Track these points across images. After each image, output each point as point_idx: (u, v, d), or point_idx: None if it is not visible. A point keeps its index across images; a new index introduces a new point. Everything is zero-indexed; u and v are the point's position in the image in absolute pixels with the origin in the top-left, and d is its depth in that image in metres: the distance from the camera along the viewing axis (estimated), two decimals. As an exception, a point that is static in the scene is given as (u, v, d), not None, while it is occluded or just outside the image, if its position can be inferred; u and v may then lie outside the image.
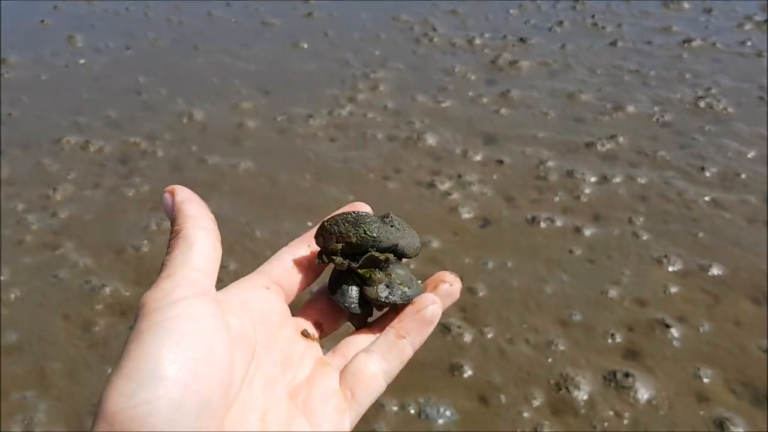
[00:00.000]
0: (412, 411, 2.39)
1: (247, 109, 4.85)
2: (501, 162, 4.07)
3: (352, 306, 0.65)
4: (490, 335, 2.74)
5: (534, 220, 3.49)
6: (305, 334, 0.65)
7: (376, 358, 0.62)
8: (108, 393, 0.46)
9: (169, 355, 0.48)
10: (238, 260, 3.21)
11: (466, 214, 3.58)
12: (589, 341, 2.71)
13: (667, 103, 4.69)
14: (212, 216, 0.61)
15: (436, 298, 0.65)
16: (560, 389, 2.48)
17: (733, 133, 4.28)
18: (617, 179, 3.81)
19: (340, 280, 0.66)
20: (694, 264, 3.12)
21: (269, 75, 5.40)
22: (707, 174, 3.85)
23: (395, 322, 0.65)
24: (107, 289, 3.07)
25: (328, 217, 0.66)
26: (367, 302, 0.66)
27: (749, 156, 4.01)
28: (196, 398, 0.47)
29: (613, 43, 5.73)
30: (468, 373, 2.57)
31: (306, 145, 4.38)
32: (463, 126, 4.55)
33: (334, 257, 0.65)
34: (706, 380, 2.51)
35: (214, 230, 0.60)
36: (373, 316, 0.69)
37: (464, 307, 2.89)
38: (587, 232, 3.37)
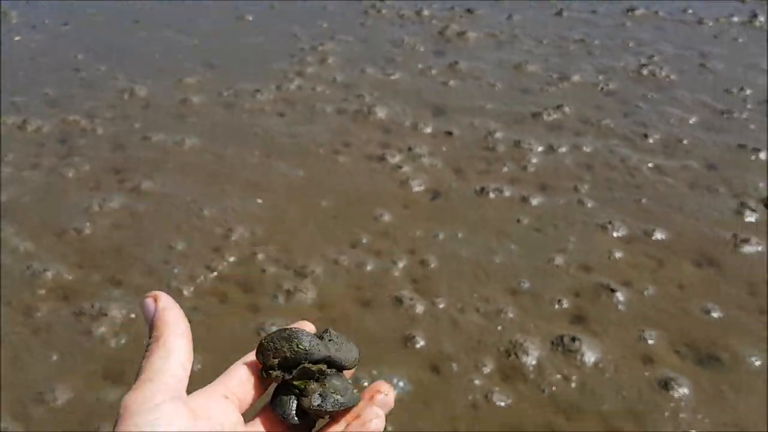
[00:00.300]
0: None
1: (191, 84, 4.72)
2: (450, 134, 4.08)
3: (290, 417, 0.70)
4: (441, 306, 2.77)
5: (483, 191, 3.52)
6: None
7: None
8: None
9: None
10: (185, 239, 3.15)
11: (416, 187, 3.58)
12: (537, 308, 2.76)
13: (612, 72, 4.76)
14: (187, 321, 0.68)
15: (380, 412, 0.70)
16: (510, 356, 2.53)
17: (675, 100, 4.38)
18: (563, 149, 3.87)
19: (280, 392, 0.72)
20: (638, 230, 3.20)
21: (214, 49, 5.26)
22: (650, 141, 3.94)
23: None
24: (49, 274, 2.97)
25: (265, 335, 0.72)
26: (305, 413, 0.71)
27: (691, 122, 4.12)
28: None
29: (559, 13, 5.77)
30: (420, 343, 2.59)
31: (253, 120, 4.30)
32: (412, 98, 4.53)
33: (271, 371, 0.71)
34: (650, 342, 2.59)
35: (189, 336, 0.67)
36: (316, 427, 0.73)
37: (416, 279, 2.90)
38: (534, 202, 3.42)
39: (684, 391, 2.38)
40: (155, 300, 0.69)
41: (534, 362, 2.50)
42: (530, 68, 4.81)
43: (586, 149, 3.86)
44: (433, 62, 4.95)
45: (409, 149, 3.91)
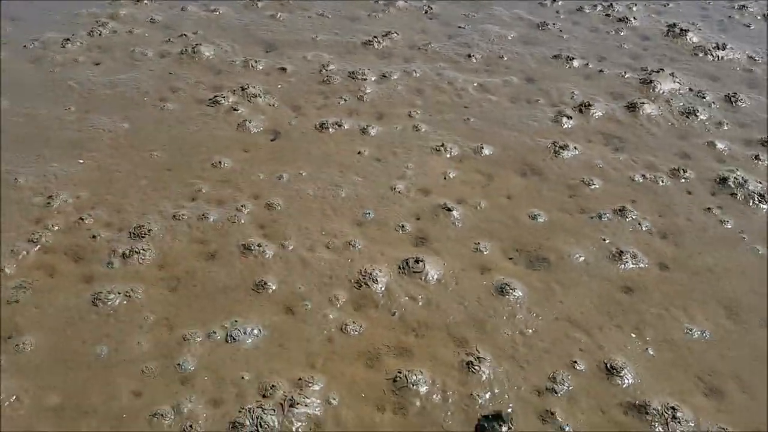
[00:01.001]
0: (219, 337, 2.38)
1: (-13, 38, 4.21)
2: (284, 70, 3.98)
3: None
4: (291, 247, 2.77)
5: (323, 126, 3.50)
6: None
7: None
8: None
9: None
10: (1, 213, 2.87)
11: (254, 129, 3.49)
12: (383, 236, 2.85)
13: (436, -6, 4.84)
14: None
15: None
16: (361, 286, 2.60)
17: (494, 17, 4.55)
18: (395, 76, 3.92)
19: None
20: (468, 148, 3.35)
21: (9, -5, 4.69)
22: (474, 60, 4.09)
23: None
24: None
25: None
26: None
27: (509, 38, 4.31)
28: None
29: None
30: (272, 288, 2.59)
31: (66, 73, 3.93)
32: (240, 35, 4.34)
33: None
34: (486, 253, 2.77)
35: None
36: None
37: (263, 224, 2.87)
38: (373, 132, 3.47)
39: (518, 293, 2.59)
40: None
41: (383, 288, 2.60)
42: (357, -6, 4.75)
43: (417, 74, 3.93)
44: (258, -6, 4.74)
45: (243, 89, 3.78)
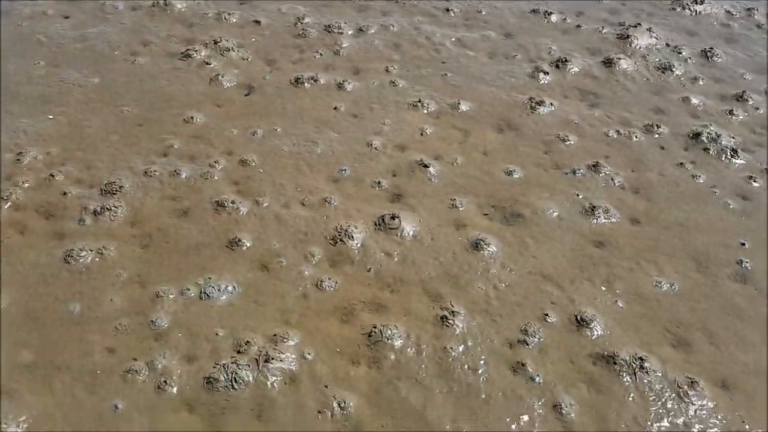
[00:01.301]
0: (192, 294, 2.37)
1: (-53, -12, 4.05)
2: (258, 22, 3.89)
3: None
4: (265, 204, 2.75)
5: (298, 81, 3.45)
6: None
7: None
8: None
9: None
10: (-30, 171, 2.82)
11: (227, 83, 3.43)
12: (359, 192, 2.84)
13: (414, -55, 4.73)
14: None
15: None
16: (336, 242, 2.60)
17: (474, -29, 4.48)
18: (372, 30, 3.85)
19: None
20: (445, 104, 3.33)
21: (-31, -57, 4.50)
22: (452, 14, 4.02)
23: None
24: None
25: None
26: None
27: (488, -8, 4.26)
28: None
29: None
30: (247, 245, 2.58)
31: (34, 26, 3.80)
32: (212, -14, 4.23)
33: None
34: (461, 209, 2.78)
35: None
36: None
37: (237, 181, 2.84)
38: (349, 87, 3.42)
39: (492, 248, 2.60)
40: None
41: (359, 245, 2.60)
42: (333, -55, 4.63)
43: (394, 28, 3.87)
44: (231, -56, 4.59)
45: (216, 42, 3.69)
